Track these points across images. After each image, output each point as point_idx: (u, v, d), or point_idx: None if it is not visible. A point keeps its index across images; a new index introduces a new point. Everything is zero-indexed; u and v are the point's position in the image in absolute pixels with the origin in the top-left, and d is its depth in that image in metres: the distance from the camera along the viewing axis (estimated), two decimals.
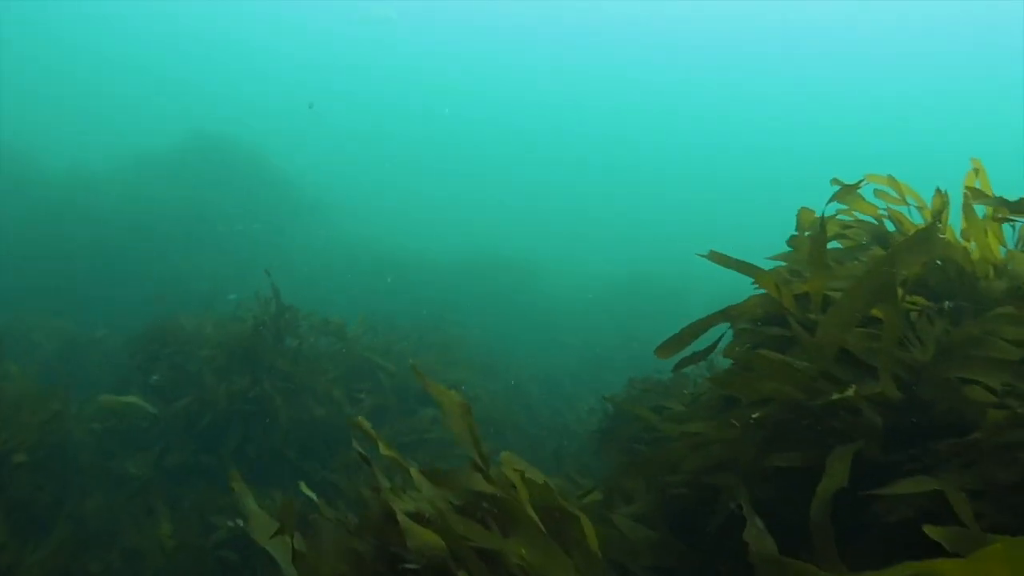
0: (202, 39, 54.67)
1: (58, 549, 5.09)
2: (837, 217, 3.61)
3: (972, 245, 2.99)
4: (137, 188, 19.66)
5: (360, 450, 2.32)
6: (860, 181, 3.56)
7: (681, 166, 51.59)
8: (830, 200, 3.53)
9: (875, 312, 2.36)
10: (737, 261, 2.91)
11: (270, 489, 5.93)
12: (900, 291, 2.48)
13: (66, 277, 14.61)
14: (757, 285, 2.93)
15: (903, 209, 3.50)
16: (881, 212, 3.52)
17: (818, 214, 3.59)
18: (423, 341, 11.51)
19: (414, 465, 2.30)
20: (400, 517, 1.96)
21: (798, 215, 3.69)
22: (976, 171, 3.30)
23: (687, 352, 2.89)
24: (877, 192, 3.61)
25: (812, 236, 2.96)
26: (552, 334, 16.77)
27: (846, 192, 3.49)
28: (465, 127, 55.76)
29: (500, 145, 53.14)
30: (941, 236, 2.99)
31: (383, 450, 2.28)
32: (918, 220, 3.45)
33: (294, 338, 6.87)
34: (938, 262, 2.90)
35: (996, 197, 3.03)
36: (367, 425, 2.41)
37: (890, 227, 3.51)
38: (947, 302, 2.74)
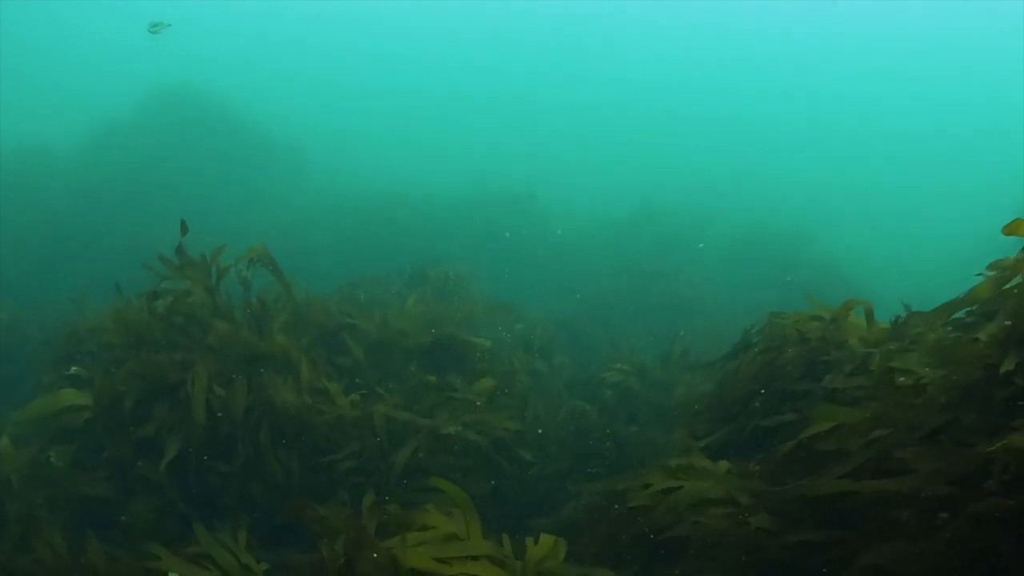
0: None
1: None
2: None
3: None
4: (96, 157, 17.89)
5: None
6: None
7: (689, 98, 48.24)
8: None
9: None
10: None
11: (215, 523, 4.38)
12: None
13: (16, 258, 13.06)
14: None
15: None
16: None
17: None
18: (415, 286, 9.96)
19: None
20: None
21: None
22: None
23: None
24: None
25: None
26: (560, 275, 15.02)
27: None
28: (455, 63, 52.69)
29: (489, 79, 50.00)
30: None
31: None
32: None
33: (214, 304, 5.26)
34: None
35: None
36: None
37: None
38: None
